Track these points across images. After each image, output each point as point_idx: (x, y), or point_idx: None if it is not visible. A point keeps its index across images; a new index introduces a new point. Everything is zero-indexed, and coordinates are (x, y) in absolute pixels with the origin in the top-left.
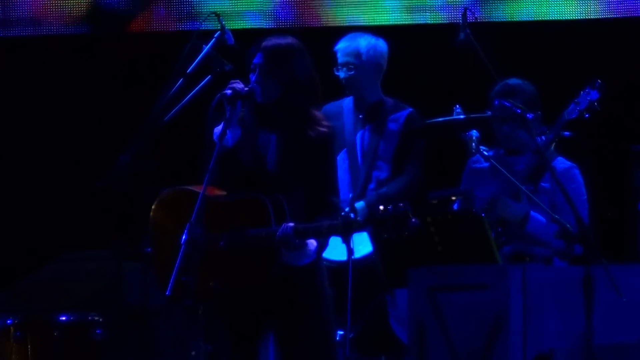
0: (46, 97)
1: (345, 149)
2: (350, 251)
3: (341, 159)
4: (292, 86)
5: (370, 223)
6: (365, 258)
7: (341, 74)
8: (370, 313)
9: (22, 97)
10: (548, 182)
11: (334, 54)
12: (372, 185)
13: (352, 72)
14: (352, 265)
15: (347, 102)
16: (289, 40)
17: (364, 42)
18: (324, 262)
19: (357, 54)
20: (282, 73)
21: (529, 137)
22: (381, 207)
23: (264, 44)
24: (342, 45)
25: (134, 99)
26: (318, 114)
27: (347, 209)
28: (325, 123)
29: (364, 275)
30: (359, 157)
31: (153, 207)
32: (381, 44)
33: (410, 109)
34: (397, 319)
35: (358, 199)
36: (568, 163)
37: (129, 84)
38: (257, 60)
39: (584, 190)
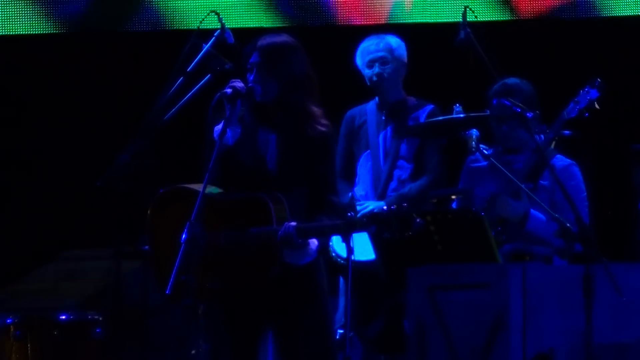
0: (46, 96)
1: (369, 150)
2: (350, 250)
3: (365, 159)
4: (290, 84)
5: (374, 223)
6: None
7: (374, 70)
8: (387, 313)
9: (21, 96)
10: (547, 180)
11: (357, 54)
12: (394, 185)
13: (388, 66)
14: (368, 265)
15: (371, 104)
16: (284, 38)
17: (393, 39)
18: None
19: (390, 50)
20: (280, 71)
21: (528, 136)
22: (384, 207)
23: (260, 42)
24: (371, 43)
25: (134, 98)
26: (317, 111)
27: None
28: (324, 122)
29: (377, 275)
30: (381, 157)
31: (151, 205)
32: (404, 44)
33: (432, 106)
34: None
35: (380, 198)
36: (567, 160)
37: (129, 83)
38: (253, 59)
39: (583, 188)
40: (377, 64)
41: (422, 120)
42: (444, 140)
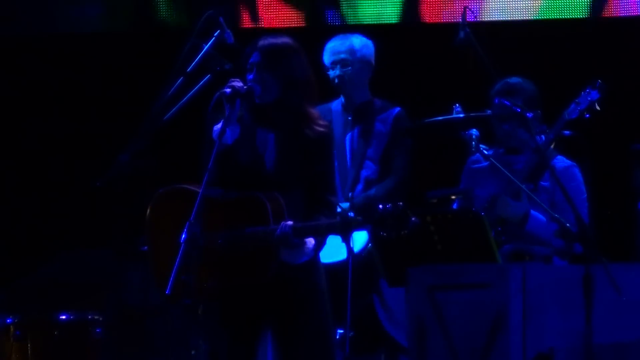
0: (46, 96)
1: (334, 150)
2: (350, 250)
3: None
4: (290, 85)
5: (370, 222)
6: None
7: (335, 72)
8: (357, 313)
9: (22, 96)
10: (548, 181)
11: (324, 54)
12: (360, 186)
13: (348, 68)
14: (338, 266)
15: (336, 104)
16: (285, 39)
17: (357, 40)
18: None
19: (351, 51)
20: (280, 72)
21: (528, 136)
22: (380, 206)
23: (261, 43)
24: (335, 44)
25: (134, 98)
26: (315, 112)
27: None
28: (322, 122)
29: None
30: (347, 159)
31: (150, 205)
32: (371, 44)
33: (398, 109)
34: (390, 320)
35: (346, 199)
36: (568, 162)
37: (128, 82)
38: (254, 59)
39: (583, 189)
40: (338, 66)
41: (389, 122)
42: (409, 141)
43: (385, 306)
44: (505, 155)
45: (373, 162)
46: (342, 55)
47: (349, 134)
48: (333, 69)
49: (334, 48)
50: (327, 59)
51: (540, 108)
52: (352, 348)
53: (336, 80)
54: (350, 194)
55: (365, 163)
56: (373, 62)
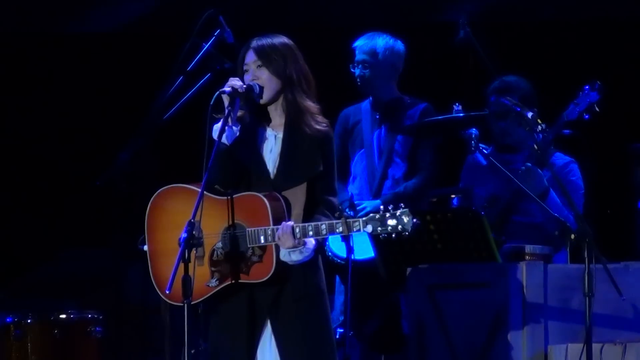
0: (46, 95)
1: (363, 149)
2: (349, 250)
3: (359, 158)
4: (288, 81)
5: (371, 222)
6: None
7: (356, 71)
8: (384, 312)
9: (21, 95)
10: (546, 178)
11: (352, 51)
12: (389, 183)
13: (367, 71)
14: (363, 264)
15: (366, 103)
16: (280, 38)
17: (382, 41)
18: (354, 260)
19: (373, 53)
20: (278, 69)
21: (526, 134)
22: (381, 207)
23: (255, 43)
24: (360, 43)
25: (134, 97)
26: (315, 107)
27: (347, 208)
28: (323, 120)
29: (375, 274)
30: (375, 156)
31: (149, 205)
32: (399, 45)
33: (425, 104)
34: (407, 317)
35: (375, 197)
36: (567, 158)
37: (128, 82)
38: (249, 59)
39: (582, 185)
40: (360, 66)
41: (416, 118)
42: (439, 138)
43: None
44: (503, 153)
45: (401, 159)
46: (364, 56)
47: (377, 131)
48: (356, 67)
49: (358, 47)
50: (355, 55)
51: (536, 106)
52: (372, 347)
53: (358, 80)
54: (350, 194)
55: (394, 160)
56: (399, 63)
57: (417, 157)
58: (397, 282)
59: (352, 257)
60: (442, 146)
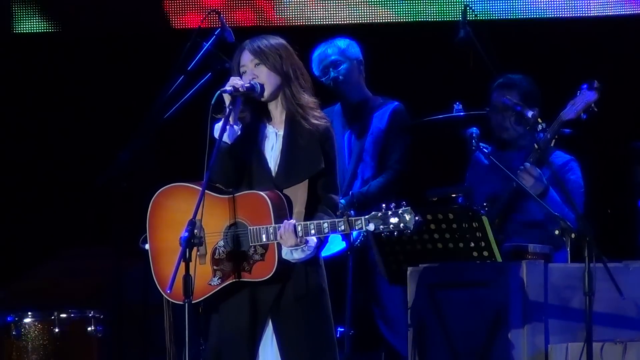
0: (46, 96)
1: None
2: (352, 249)
3: None
4: (286, 79)
5: (373, 220)
6: (341, 255)
7: (329, 75)
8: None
9: (22, 95)
10: (546, 177)
11: (313, 65)
12: (358, 183)
13: (340, 68)
14: (336, 258)
15: (337, 107)
16: (276, 38)
17: (341, 41)
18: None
19: (340, 51)
20: (276, 66)
21: (526, 131)
22: (383, 205)
23: (251, 43)
24: (321, 50)
25: (135, 96)
26: (314, 101)
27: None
28: (322, 115)
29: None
30: (346, 158)
31: (151, 203)
32: (355, 42)
33: (396, 104)
34: (384, 319)
35: (344, 196)
36: (567, 156)
37: (129, 81)
38: (245, 60)
39: (582, 183)
40: (330, 69)
41: (386, 118)
42: (407, 136)
43: (384, 317)
44: (504, 151)
45: (371, 157)
46: (332, 58)
47: (347, 132)
48: (325, 74)
49: (321, 54)
50: (317, 67)
51: (538, 104)
52: (353, 345)
53: (331, 84)
54: (350, 193)
55: (364, 160)
56: (362, 58)
57: (385, 156)
58: (397, 282)
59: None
60: (413, 146)
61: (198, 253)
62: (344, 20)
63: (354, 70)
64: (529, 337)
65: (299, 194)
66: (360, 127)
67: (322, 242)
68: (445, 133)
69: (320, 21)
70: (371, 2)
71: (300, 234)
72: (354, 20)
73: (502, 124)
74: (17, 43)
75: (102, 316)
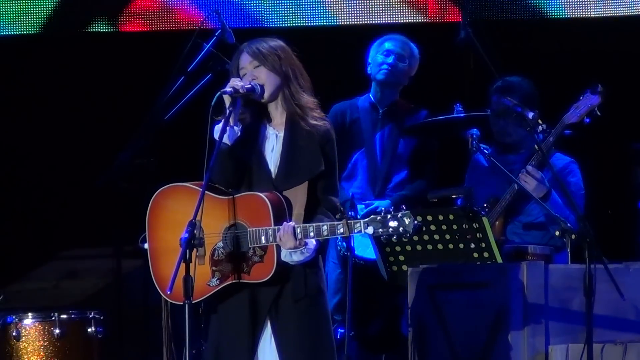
0: (47, 95)
1: (363, 147)
2: (351, 250)
3: (360, 157)
4: (285, 79)
5: (372, 224)
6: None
7: (387, 60)
8: (388, 312)
9: (22, 95)
10: (547, 179)
11: (377, 46)
12: (391, 185)
13: (402, 64)
14: (367, 265)
15: (363, 100)
16: (274, 39)
17: (414, 47)
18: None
19: (410, 54)
20: (275, 67)
21: (527, 134)
22: (382, 209)
23: (249, 45)
24: (397, 39)
25: (135, 97)
26: (314, 101)
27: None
28: (322, 116)
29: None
30: (378, 157)
31: (151, 203)
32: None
33: (426, 111)
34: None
35: (378, 197)
36: (567, 158)
37: (129, 82)
38: (246, 61)
39: (582, 185)
40: (393, 56)
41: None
42: (436, 144)
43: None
44: (504, 154)
45: (403, 162)
46: (402, 52)
47: (379, 132)
48: (387, 55)
49: (395, 41)
50: (379, 47)
51: (537, 107)
52: (376, 345)
53: (385, 66)
54: (351, 193)
55: (397, 162)
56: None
57: (418, 162)
58: (397, 283)
59: (360, 255)
60: (440, 151)
61: (197, 254)
62: (343, 21)
63: (406, 75)
64: (529, 338)
65: (298, 195)
66: (394, 129)
67: (321, 245)
68: (446, 134)
69: (321, 21)
70: (371, 4)
71: (299, 237)
72: (353, 20)
73: (505, 129)
74: (17, 43)
75: (102, 317)
